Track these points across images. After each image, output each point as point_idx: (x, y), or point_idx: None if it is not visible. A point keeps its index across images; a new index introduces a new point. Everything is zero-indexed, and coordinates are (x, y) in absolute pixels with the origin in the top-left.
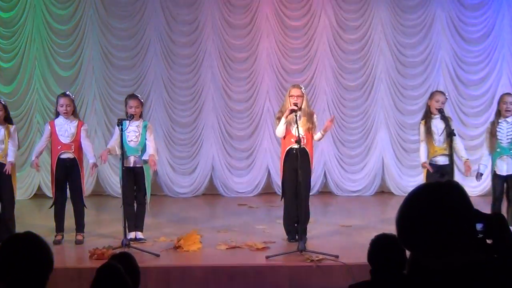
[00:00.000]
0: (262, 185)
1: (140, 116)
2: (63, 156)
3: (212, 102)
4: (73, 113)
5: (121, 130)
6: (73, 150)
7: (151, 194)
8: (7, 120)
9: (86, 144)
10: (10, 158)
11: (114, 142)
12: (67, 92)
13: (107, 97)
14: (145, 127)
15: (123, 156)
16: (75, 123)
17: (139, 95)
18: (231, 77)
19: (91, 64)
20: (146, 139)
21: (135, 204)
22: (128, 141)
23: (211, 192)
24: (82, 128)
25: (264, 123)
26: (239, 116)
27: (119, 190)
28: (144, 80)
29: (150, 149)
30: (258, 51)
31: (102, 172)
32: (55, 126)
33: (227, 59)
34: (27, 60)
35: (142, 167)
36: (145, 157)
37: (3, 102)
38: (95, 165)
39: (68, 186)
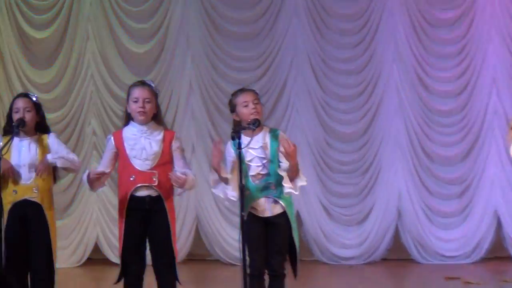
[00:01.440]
0: (487, 244)
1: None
2: (139, 194)
3: (396, 99)
4: (156, 116)
5: (238, 147)
6: (156, 183)
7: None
8: (41, 129)
9: (182, 169)
10: (48, 155)
11: (227, 170)
12: (147, 80)
13: (212, 90)
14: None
15: (243, 196)
16: (159, 133)
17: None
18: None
19: (184, 32)
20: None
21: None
22: (251, 175)
23: (394, 256)
24: (173, 142)
25: (489, 133)
26: (444, 122)
27: (237, 253)
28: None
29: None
30: None
31: (209, 222)
32: (123, 140)
33: None
34: (75, 26)
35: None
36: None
37: (34, 99)
38: None
39: (147, 245)
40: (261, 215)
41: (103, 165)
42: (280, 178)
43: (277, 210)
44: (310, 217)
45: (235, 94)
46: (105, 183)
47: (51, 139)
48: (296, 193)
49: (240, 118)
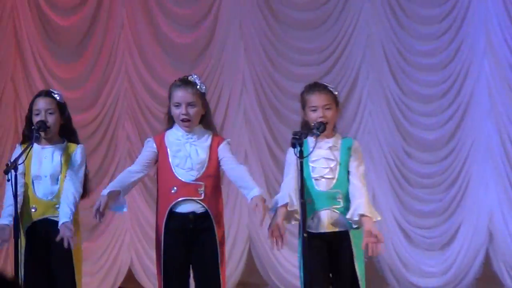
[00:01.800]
0: None
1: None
2: (181, 210)
3: (488, 99)
4: (204, 120)
5: (300, 156)
6: (202, 197)
7: None
8: (67, 133)
9: (243, 173)
10: (65, 217)
11: (288, 187)
12: (191, 77)
13: (268, 88)
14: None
15: (305, 214)
16: (207, 139)
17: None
18: None
19: (237, 19)
20: None
21: None
22: (314, 178)
23: (484, 286)
24: (221, 146)
25: None
26: None
27: (297, 282)
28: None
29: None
30: None
31: (264, 244)
32: (166, 145)
33: None
34: (107, 11)
35: None
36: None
37: (58, 98)
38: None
39: (191, 272)
40: (315, 231)
41: (138, 164)
42: (348, 190)
43: (339, 227)
44: (385, 240)
45: (307, 89)
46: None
47: (77, 154)
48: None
49: (307, 120)
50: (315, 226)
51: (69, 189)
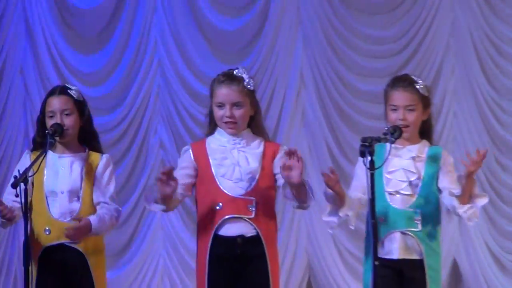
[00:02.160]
0: None
1: None
2: (227, 232)
3: None
4: (253, 123)
5: (370, 168)
6: (253, 215)
7: None
8: (87, 138)
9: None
10: (94, 221)
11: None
12: (237, 72)
13: (332, 83)
14: None
15: (377, 237)
16: (258, 145)
17: None
18: None
19: (293, 1)
20: None
21: None
22: (389, 192)
23: None
24: (278, 157)
25: None
26: None
27: None
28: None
29: None
30: None
31: (327, 273)
32: (207, 154)
33: None
34: None
35: None
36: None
37: (75, 95)
38: None
39: None
40: (383, 256)
41: (176, 176)
42: (432, 211)
43: (413, 255)
44: (472, 268)
45: (391, 83)
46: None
47: (102, 166)
48: (476, 220)
49: (387, 120)
50: (385, 250)
51: (108, 207)
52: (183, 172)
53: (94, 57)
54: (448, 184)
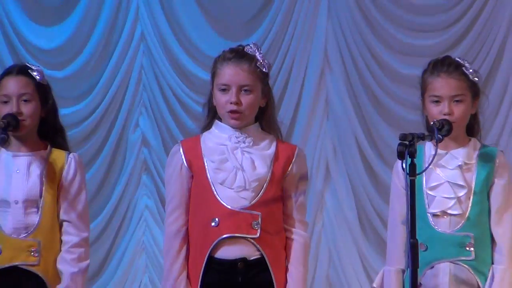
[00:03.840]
0: None
1: None
2: (225, 254)
3: None
4: (264, 115)
5: (411, 173)
6: (257, 234)
7: None
8: (50, 133)
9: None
10: (66, 280)
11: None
12: (249, 48)
13: (364, 65)
14: None
15: (417, 260)
16: (268, 145)
17: None
18: None
19: None
20: None
21: None
22: (432, 214)
23: None
24: (292, 164)
25: None
26: None
27: None
28: None
29: None
30: None
31: None
32: (202, 154)
33: None
34: None
35: None
36: None
37: (37, 76)
38: None
39: None
40: None
41: (176, 208)
42: (485, 232)
43: None
44: None
45: (431, 67)
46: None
47: (69, 169)
48: None
49: (426, 113)
50: (431, 284)
51: (71, 239)
52: (183, 187)
53: (57, 29)
54: (499, 204)
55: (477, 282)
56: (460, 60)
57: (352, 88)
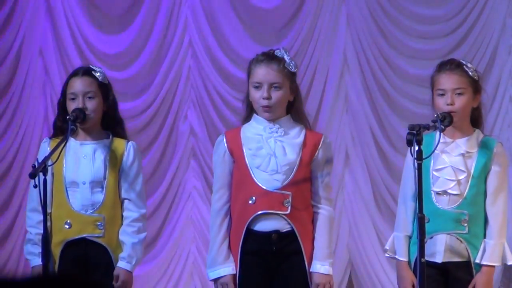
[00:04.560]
0: None
1: None
2: (261, 227)
3: None
4: (293, 108)
5: (418, 157)
6: (288, 211)
7: None
8: (111, 124)
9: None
10: (127, 260)
11: (408, 219)
12: (277, 52)
13: (378, 66)
14: None
15: (423, 232)
16: (298, 134)
17: None
18: None
19: None
20: None
21: None
22: (436, 192)
23: None
24: (319, 150)
25: None
26: None
27: None
28: None
29: None
30: None
31: (370, 270)
32: (241, 143)
33: None
34: None
35: None
36: None
37: (99, 77)
38: None
39: None
40: (427, 258)
41: (220, 188)
42: (479, 211)
43: (458, 257)
44: None
45: (438, 67)
46: None
47: (128, 155)
48: (497, 264)
49: (435, 107)
50: (428, 253)
51: (131, 215)
52: (226, 170)
53: (119, 37)
54: (494, 188)
55: (468, 253)
56: (461, 61)
57: (368, 87)
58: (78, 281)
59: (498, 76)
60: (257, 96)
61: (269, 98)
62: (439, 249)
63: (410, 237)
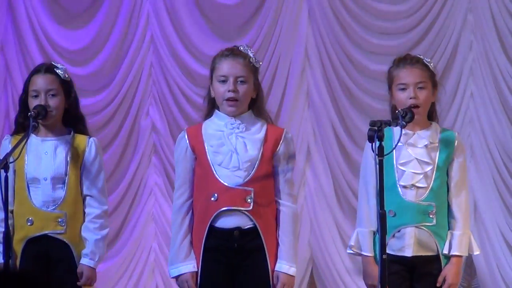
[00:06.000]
0: None
1: None
2: (223, 224)
3: None
4: (255, 104)
5: (378, 154)
6: (251, 207)
7: None
8: (73, 121)
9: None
10: (90, 257)
11: (369, 213)
12: (242, 47)
13: (339, 61)
14: None
15: (385, 229)
16: (259, 129)
17: None
18: None
19: None
20: None
21: None
22: (402, 186)
23: None
24: (280, 145)
25: None
26: None
27: None
28: None
29: None
30: None
31: (331, 267)
32: (203, 140)
33: None
34: None
35: None
36: None
37: (61, 74)
38: None
39: None
40: (396, 253)
41: (181, 185)
42: (444, 202)
43: (427, 251)
44: (488, 258)
45: (396, 62)
46: None
47: (90, 151)
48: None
49: (395, 103)
50: (397, 247)
51: (94, 211)
52: (187, 167)
53: (80, 33)
54: (457, 177)
55: (436, 245)
56: (419, 55)
57: (329, 82)
58: (36, 280)
59: (459, 72)
60: (222, 90)
61: (235, 91)
62: (408, 243)
63: (374, 232)
